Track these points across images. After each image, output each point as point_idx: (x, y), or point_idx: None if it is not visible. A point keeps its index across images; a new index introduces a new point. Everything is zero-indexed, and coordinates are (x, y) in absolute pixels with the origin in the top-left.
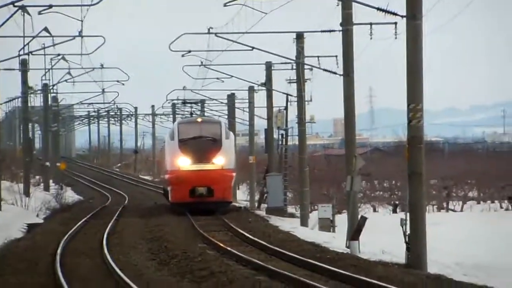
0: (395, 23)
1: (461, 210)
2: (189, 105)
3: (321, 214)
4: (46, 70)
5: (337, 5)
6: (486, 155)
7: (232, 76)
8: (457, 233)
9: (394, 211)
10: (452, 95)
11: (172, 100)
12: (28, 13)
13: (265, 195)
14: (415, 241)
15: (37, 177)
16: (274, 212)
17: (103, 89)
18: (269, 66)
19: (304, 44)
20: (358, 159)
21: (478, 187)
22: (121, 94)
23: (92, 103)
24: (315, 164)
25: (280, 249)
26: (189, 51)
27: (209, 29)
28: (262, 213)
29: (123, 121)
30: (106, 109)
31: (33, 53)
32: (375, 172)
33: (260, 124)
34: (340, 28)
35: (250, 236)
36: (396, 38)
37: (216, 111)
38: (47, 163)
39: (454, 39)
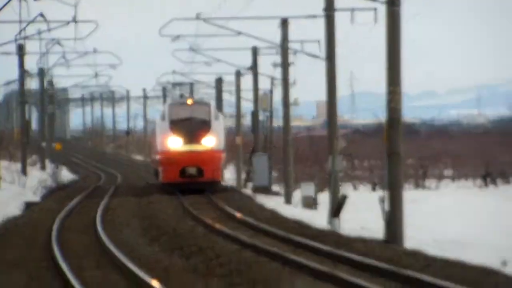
0: (375, 9)
1: (437, 188)
2: (178, 87)
3: (304, 192)
4: (42, 54)
5: None
6: (461, 135)
7: (219, 60)
8: (433, 210)
9: (374, 189)
10: (430, 79)
11: (162, 83)
12: None
13: (251, 174)
14: (393, 218)
15: (34, 156)
16: (259, 190)
17: (96, 73)
18: (255, 51)
19: (289, 29)
20: (339, 140)
21: (453, 166)
22: (114, 77)
23: (86, 86)
24: (299, 145)
25: (265, 225)
26: (178, 36)
27: (197, 15)
28: (248, 191)
29: (116, 104)
30: (100, 92)
31: (29, 38)
32: (356, 152)
33: (247, 106)
34: (323, 14)
35: (237, 214)
36: (375, 23)
37: (205, 94)
38: (43, 144)
39: (432, 24)
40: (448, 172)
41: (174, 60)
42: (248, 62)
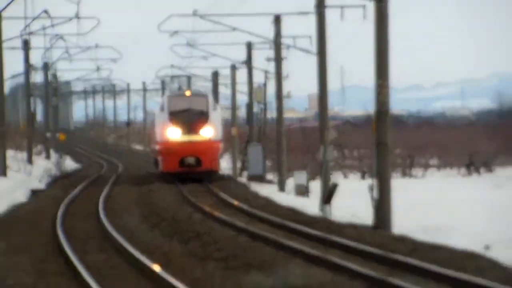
0: (364, 6)
1: (423, 177)
2: (177, 80)
3: (297, 180)
4: (46, 49)
5: None
6: (446, 127)
7: (215, 55)
8: (419, 197)
9: (363, 177)
10: (417, 73)
11: (161, 77)
12: None
13: (246, 163)
14: (382, 205)
15: (39, 146)
16: (254, 179)
17: (98, 67)
18: (249, 46)
19: (281, 25)
20: (330, 131)
21: (439, 155)
22: (115, 71)
23: (88, 79)
24: (292, 135)
25: (260, 212)
26: (176, 32)
27: (194, 11)
28: (243, 180)
29: (117, 96)
30: (101, 85)
31: (34, 33)
32: (346, 143)
33: (242, 99)
34: (314, 11)
35: (233, 201)
36: (364, 20)
37: (202, 87)
38: (48, 134)
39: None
40: (433, 161)
41: (172, 54)
42: (243, 56)
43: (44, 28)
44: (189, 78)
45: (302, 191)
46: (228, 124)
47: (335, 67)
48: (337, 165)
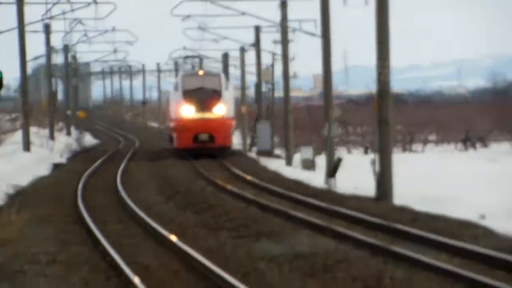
0: None
1: (422, 151)
2: (190, 61)
3: (303, 155)
4: (66, 33)
5: None
6: (444, 105)
7: (225, 38)
8: (419, 171)
9: (366, 152)
10: (416, 54)
11: (174, 58)
12: None
13: (255, 139)
14: (383, 178)
15: (60, 123)
16: (263, 154)
17: (115, 49)
18: (257, 29)
19: (288, 9)
20: (334, 109)
21: (437, 131)
22: (131, 53)
23: (106, 61)
24: (298, 113)
25: (268, 185)
26: (188, 16)
27: None
28: (253, 155)
29: (133, 76)
30: (118, 66)
31: (55, 18)
32: (350, 120)
33: (250, 79)
34: None
35: (243, 175)
36: (366, 5)
37: (213, 68)
38: (68, 112)
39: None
40: (432, 137)
41: (184, 37)
42: (252, 39)
43: (64, 12)
44: (200, 59)
45: (308, 165)
46: (238, 103)
47: (338, 49)
48: (341, 141)
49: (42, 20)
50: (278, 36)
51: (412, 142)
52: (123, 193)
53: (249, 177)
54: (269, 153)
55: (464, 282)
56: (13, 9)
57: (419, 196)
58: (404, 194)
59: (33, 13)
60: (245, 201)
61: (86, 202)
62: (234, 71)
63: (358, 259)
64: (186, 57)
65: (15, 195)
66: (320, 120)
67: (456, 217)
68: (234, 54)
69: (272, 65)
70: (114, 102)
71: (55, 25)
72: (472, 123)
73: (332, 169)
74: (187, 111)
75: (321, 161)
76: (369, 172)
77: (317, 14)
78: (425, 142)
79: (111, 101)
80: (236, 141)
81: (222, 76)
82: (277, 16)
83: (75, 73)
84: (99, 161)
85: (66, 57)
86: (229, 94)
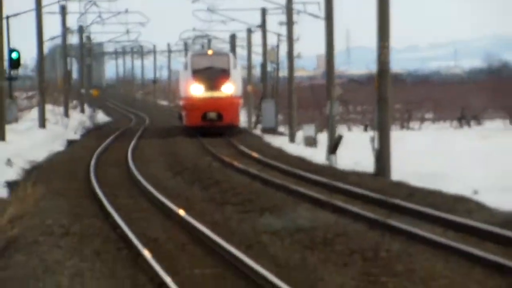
0: None
1: (419, 129)
2: (200, 41)
3: (306, 132)
4: (81, 14)
5: None
6: (441, 84)
7: (233, 20)
8: (416, 147)
9: (365, 130)
10: (414, 35)
11: (184, 39)
12: None
13: (260, 117)
14: (382, 154)
15: (75, 101)
16: (267, 131)
17: (127, 30)
18: (263, 11)
19: None
20: (336, 88)
21: (434, 110)
22: (142, 33)
23: (118, 41)
24: (301, 92)
25: (272, 161)
26: None
27: None
28: (257, 132)
29: (144, 56)
30: (130, 46)
31: None
32: (350, 99)
33: (256, 59)
34: None
35: (248, 151)
36: None
37: (221, 48)
38: (82, 90)
39: None
40: (429, 115)
41: (194, 19)
42: (258, 21)
43: None
44: (209, 40)
45: (311, 142)
46: (244, 82)
47: (341, 30)
48: (342, 119)
49: (58, 2)
50: (283, 18)
51: (410, 120)
52: (133, 168)
53: (254, 154)
54: (273, 131)
55: (457, 254)
56: None
57: (416, 172)
58: (402, 170)
59: None
60: (250, 177)
61: (98, 177)
62: (241, 52)
63: (357, 232)
64: (196, 37)
65: (31, 170)
66: (322, 99)
67: (450, 192)
68: (241, 35)
69: (277, 46)
70: (126, 81)
71: (71, 7)
72: (467, 101)
73: (333, 146)
74: (196, 90)
75: (323, 138)
76: (368, 149)
77: None
78: (422, 120)
79: (123, 80)
80: (242, 118)
81: (231, 55)
82: None
83: (89, 53)
84: (111, 137)
85: (81, 38)
86: (237, 73)
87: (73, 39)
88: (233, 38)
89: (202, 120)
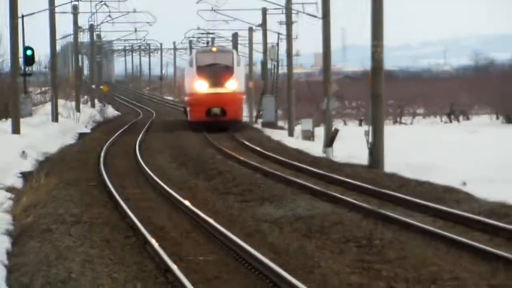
0: None
1: (411, 123)
2: (205, 39)
3: (304, 127)
4: (92, 13)
5: None
6: (431, 81)
7: (235, 19)
8: (407, 141)
9: (360, 124)
10: (406, 34)
11: (189, 37)
12: None
13: (261, 112)
14: (376, 147)
15: (85, 96)
16: (267, 125)
17: (135, 29)
18: (264, 11)
19: None
20: (332, 84)
21: (424, 105)
22: (150, 32)
23: (127, 40)
24: (300, 88)
25: (272, 154)
26: None
27: None
28: (258, 126)
29: (151, 54)
30: (138, 44)
31: (82, 0)
32: (346, 94)
33: (257, 56)
34: None
35: (249, 144)
36: None
37: (223, 46)
38: (93, 86)
39: None
40: (420, 110)
41: (198, 18)
42: (259, 20)
43: None
44: (212, 39)
45: (308, 136)
46: (246, 79)
47: (337, 29)
48: (338, 114)
49: (71, 2)
50: (283, 18)
51: (402, 115)
52: (140, 160)
53: (254, 146)
54: (273, 125)
55: (446, 242)
56: None
57: (408, 164)
58: (394, 162)
59: None
60: (251, 168)
61: (108, 168)
62: (242, 49)
63: (352, 221)
64: (200, 35)
65: (44, 161)
66: (319, 94)
67: (440, 183)
68: (243, 34)
69: (277, 44)
70: (134, 77)
71: (82, 7)
72: (456, 97)
73: (330, 140)
74: (201, 86)
75: (320, 132)
76: (363, 142)
77: None
78: (414, 115)
79: (131, 76)
80: (244, 113)
81: (235, 52)
82: None
83: (99, 50)
84: (120, 131)
85: (91, 36)
86: (241, 70)
87: (84, 37)
88: (235, 36)
89: (207, 115)
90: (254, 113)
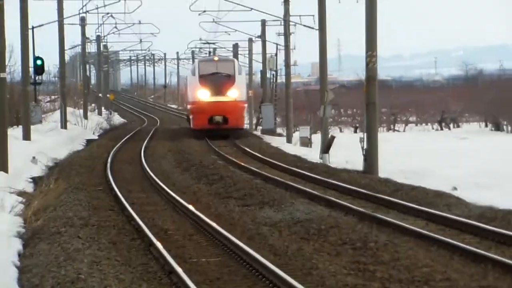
0: None
1: (404, 131)
2: (206, 49)
3: (302, 134)
4: (99, 25)
5: None
6: (423, 90)
7: (236, 30)
8: (401, 147)
9: (355, 131)
10: (398, 45)
11: (192, 48)
12: None
13: (260, 119)
14: (370, 154)
15: (93, 104)
16: (266, 132)
17: (140, 39)
18: (263, 23)
19: (290, 5)
20: (329, 92)
21: (417, 113)
22: (154, 43)
23: (132, 50)
24: (297, 97)
25: (271, 159)
26: (204, 11)
27: None
28: (258, 133)
29: (156, 64)
30: (143, 54)
31: (89, 12)
32: (342, 103)
33: (257, 66)
34: None
35: (249, 150)
36: (357, 2)
37: (225, 56)
38: (100, 94)
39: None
40: (412, 118)
41: (200, 30)
42: (258, 31)
43: (97, 7)
44: (214, 49)
45: (306, 142)
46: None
47: (333, 39)
48: (334, 121)
49: (79, 14)
50: (281, 29)
51: (395, 123)
52: (145, 165)
53: (254, 153)
54: (272, 132)
55: (438, 244)
56: (54, 4)
57: (401, 170)
58: (388, 168)
59: (70, 7)
60: (251, 173)
61: (114, 173)
62: (242, 60)
63: (348, 224)
64: (204, 42)
65: (53, 166)
66: (316, 103)
67: (432, 188)
68: (243, 45)
69: (276, 54)
70: (139, 86)
71: (90, 19)
72: (447, 106)
73: (326, 146)
74: (203, 94)
75: (317, 139)
76: (358, 149)
77: (315, 10)
78: (406, 122)
79: (136, 85)
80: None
81: (236, 61)
82: (280, 12)
83: (106, 60)
84: (126, 137)
85: (98, 47)
86: (242, 78)
87: (92, 48)
88: (235, 47)
89: (209, 123)
90: (254, 121)
